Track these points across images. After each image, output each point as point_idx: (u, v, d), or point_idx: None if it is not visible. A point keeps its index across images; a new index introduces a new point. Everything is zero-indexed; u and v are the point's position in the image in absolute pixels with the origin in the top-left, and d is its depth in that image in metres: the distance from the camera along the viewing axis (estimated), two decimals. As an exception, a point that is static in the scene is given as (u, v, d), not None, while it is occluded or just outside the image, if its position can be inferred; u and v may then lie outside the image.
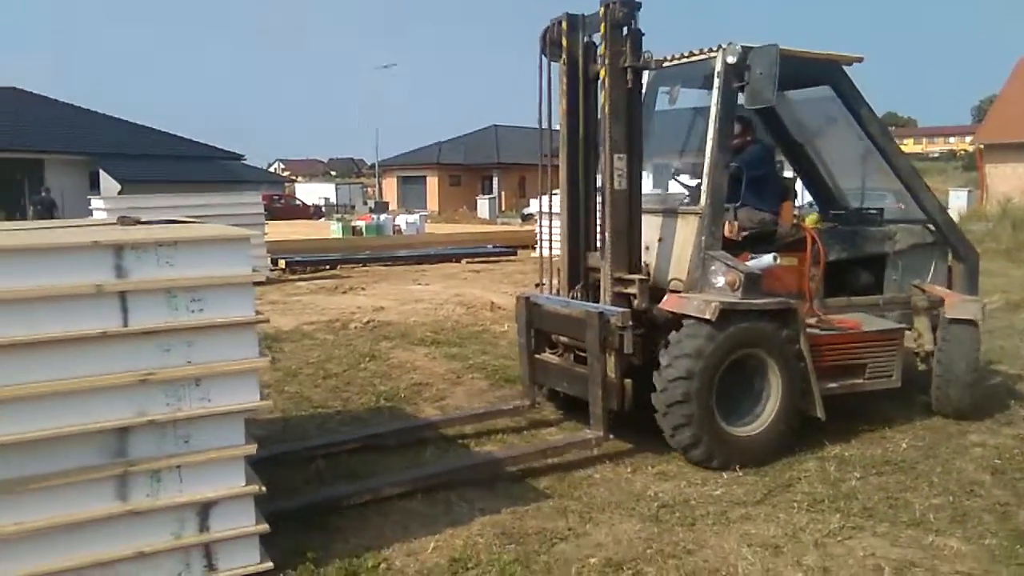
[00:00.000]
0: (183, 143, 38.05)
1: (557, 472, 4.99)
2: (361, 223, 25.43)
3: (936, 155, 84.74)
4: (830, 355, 5.52)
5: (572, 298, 5.67)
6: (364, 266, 17.71)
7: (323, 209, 46.92)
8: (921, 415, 6.10)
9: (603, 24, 5.20)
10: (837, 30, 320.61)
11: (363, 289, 13.85)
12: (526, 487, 4.78)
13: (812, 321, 5.65)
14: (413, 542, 4.01)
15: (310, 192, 55.49)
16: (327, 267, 17.13)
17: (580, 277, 5.72)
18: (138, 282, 3.25)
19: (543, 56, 5.62)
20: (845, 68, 6.07)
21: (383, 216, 28.40)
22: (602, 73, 5.25)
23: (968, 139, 67.17)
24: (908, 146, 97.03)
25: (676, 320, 5.12)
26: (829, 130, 6.78)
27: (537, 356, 5.91)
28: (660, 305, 5.29)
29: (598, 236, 5.67)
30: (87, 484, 3.27)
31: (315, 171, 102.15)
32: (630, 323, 5.04)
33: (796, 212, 6.39)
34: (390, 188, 55.60)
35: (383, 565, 3.77)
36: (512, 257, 19.54)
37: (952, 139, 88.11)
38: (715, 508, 4.45)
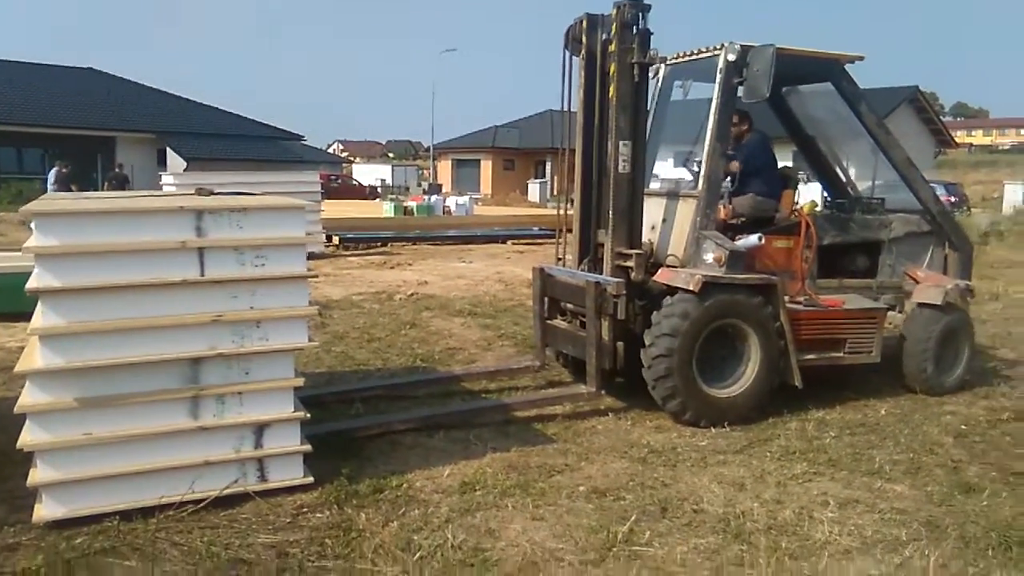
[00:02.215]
0: (246, 123, 39.42)
1: (565, 422, 5.70)
2: (413, 203, 26.30)
3: (1007, 147, 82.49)
4: (810, 329, 6.06)
5: (581, 270, 6.29)
6: (413, 244, 18.53)
7: (379, 190, 48.03)
8: (908, 388, 6.62)
9: (614, 23, 5.81)
10: (907, 20, 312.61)
11: (410, 265, 14.67)
12: (535, 432, 5.49)
13: (800, 298, 6.20)
14: (432, 470, 4.74)
15: (367, 173, 56.68)
16: (378, 244, 17.98)
17: (589, 251, 6.31)
18: (214, 240, 4.03)
19: (566, 51, 6.18)
20: (846, 66, 6.55)
21: (434, 197, 29.26)
22: (611, 68, 5.85)
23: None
24: (978, 138, 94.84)
25: (668, 291, 5.74)
26: (840, 123, 7.19)
27: (548, 321, 6.59)
28: (654, 278, 5.91)
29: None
30: (167, 403, 4.08)
31: (373, 153, 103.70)
32: (624, 292, 5.70)
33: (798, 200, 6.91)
34: (445, 171, 56.49)
35: (404, 485, 4.50)
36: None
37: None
38: (697, 455, 5.10)
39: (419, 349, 7.88)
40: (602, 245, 6.12)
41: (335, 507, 4.17)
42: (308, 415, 4.42)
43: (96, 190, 25.89)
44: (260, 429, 4.27)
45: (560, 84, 6.18)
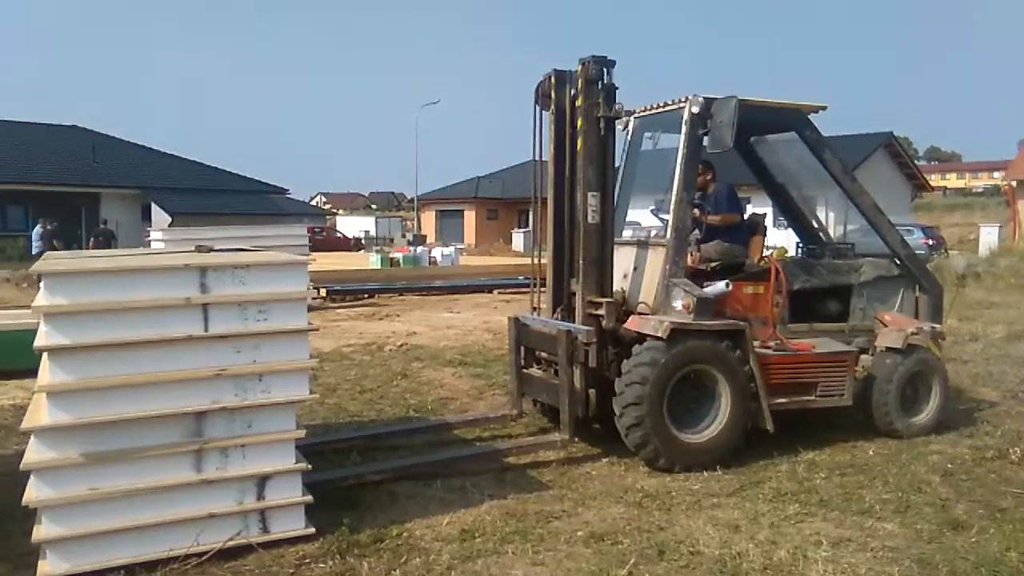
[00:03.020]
0: (230, 177, 39.66)
1: (560, 468, 5.78)
2: (399, 255, 26.49)
3: (980, 190, 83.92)
4: (780, 373, 6.13)
5: (554, 319, 6.39)
6: (400, 295, 18.63)
7: (363, 241, 48.24)
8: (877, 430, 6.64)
9: (580, 79, 6.00)
10: (881, 65, 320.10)
11: (398, 316, 14.77)
12: (531, 479, 5.56)
13: (771, 343, 6.30)
14: (431, 518, 4.80)
15: (351, 225, 56.94)
16: (365, 296, 18.06)
17: (563, 300, 6.39)
18: (217, 296, 4.14)
19: (537, 106, 6.36)
20: (810, 116, 6.74)
21: (420, 248, 29.47)
22: (579, 122, 6.02)
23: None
24: (952, 181, 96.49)
25: (639, 338, 5.84)
26: (809, 170, 7.28)
27: (524, 370, 6.67)
28: (624, 325, 6.01)
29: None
30: (171, 457, 4.14)
31: (356, 204, 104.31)
32: (595, 340, 5.83)
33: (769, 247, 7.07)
34: (428, 221, 56.83)
35: (405, 534, 4.56)
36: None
37: (997, 174, 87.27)
38: (691, 498, 5.19)
39: (412, 399, 7.95)
40: (575, 294, 6.21)
41: (337, 557, 4.22)
42: (309, 467, 4.49)
43: (80, 247, 25.91)
44: (262, 481, 4.33)
45: (532, 138, 6.37)
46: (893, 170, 42.19)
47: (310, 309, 14.76)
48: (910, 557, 4.28)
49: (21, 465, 3.90)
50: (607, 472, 5.75)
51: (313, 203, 77.71)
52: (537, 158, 6.43)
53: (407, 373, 9.20)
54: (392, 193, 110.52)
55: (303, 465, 4.44)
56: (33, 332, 4.15)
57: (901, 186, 42.83)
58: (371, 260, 25.80)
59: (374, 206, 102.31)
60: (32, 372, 5.28)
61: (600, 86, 6.00)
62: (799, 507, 5.02)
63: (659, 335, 5.64)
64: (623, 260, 6.55)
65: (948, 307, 12.94)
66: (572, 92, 6.13)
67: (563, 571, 4.13)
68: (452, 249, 29.50)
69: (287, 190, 42.39)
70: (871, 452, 6.15)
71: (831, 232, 7.78)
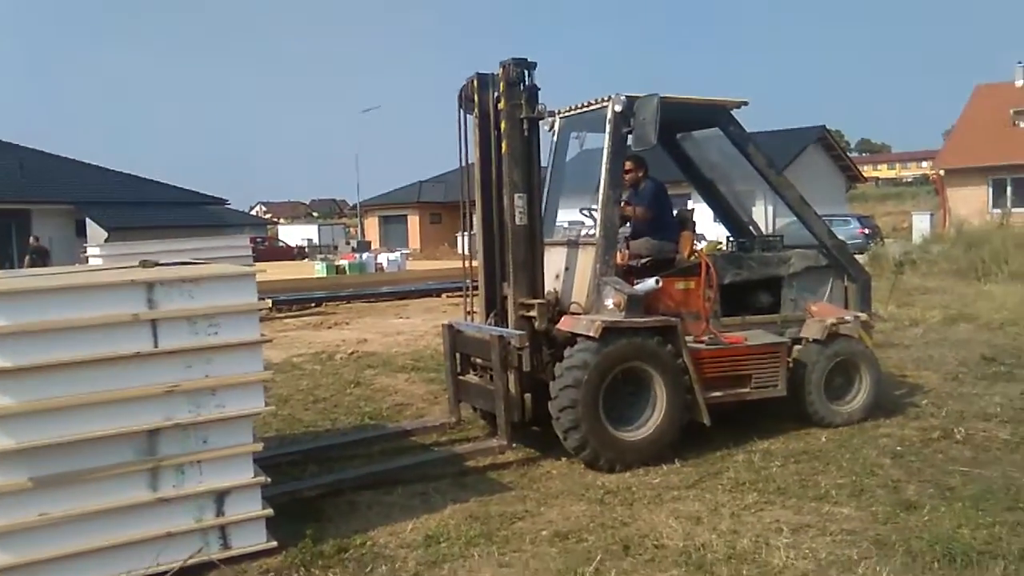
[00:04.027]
0: (167, 189, 38.91)
1: (520, 468, 5.78)
2: (344, 262, 26.27)
3: (910, 180, 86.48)
4: (714, 367, 6.16)
5: (488, 324, 6.30)
6: (348, 303, 18.45)
7: (306, 250, 47.72)
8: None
9: (501, 82, 5.98)
10: (813, 60, 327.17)
11: (347, 324, 14.62)
12: (492, 481, 5.56)
13: (704, 337, 6.34)
14: (394, 525, 4.76)
15: (293, 233, 56.31)
16: (312, 305, 17.86)
17: (496, 304, 6.31)
18: (166, 311, 4.05)
19: (460, 110, 6.32)
20: (733, 112, 6.79)
21: (365, 255, 29.26)
22: (503, 124, 5.99)
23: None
24: (883, 171, 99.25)
25: (572, 338, 5.83)
26: (737, 165, 7.32)
27: (460, 377, 6.62)
28: (557, 326, 6.01)
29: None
30: (125, 477, 4.04)
31: (297, 213, 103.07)
32: (527, 344, 5.82)
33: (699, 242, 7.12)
34: (372, 227, 56.44)
35: (369, 542, 4.51)
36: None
37: (925, 163, 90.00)
38: (652, 492, 5.23)
39: (366, 407, 7.87)
40: (507, 297, 6.17)
41: (302, 569, 4.16)
42: (268, 480, 4.41)
43: (13, 266, 25.14)
44: (221, 496, 4.24)
45: (457, 142, 6.34)
46: (828, 162, 43.23)
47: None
48: (867, 539, 4.38)
49: (-34, 493, 3.76)
50: (567, 470, 5.76)
51: (253, 213, 76.50)
52: (463, 162, 6.40)
53: (360, 381, 9.11)
54: (334, 200, 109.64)
55: (262, 478, 4.36)
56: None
57: (836, 177, 43.90)
58: (317, 268, 25.57)
59: (316, 214, 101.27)
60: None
61: (522, 88, 5.98)
62: (758, 496, 5.10)
63: (591, 334, 5.63)
64: (555, 261, 6.52)
65: (887, 294, 13.37)
66: (495, 95, 6.07)
67: (530, 571, 4.13)
68: (398, 254, 29.37)
69: (226, 200, 41.78)
70: (823, 439, 6.27)
71: (763, 225, 7.84)
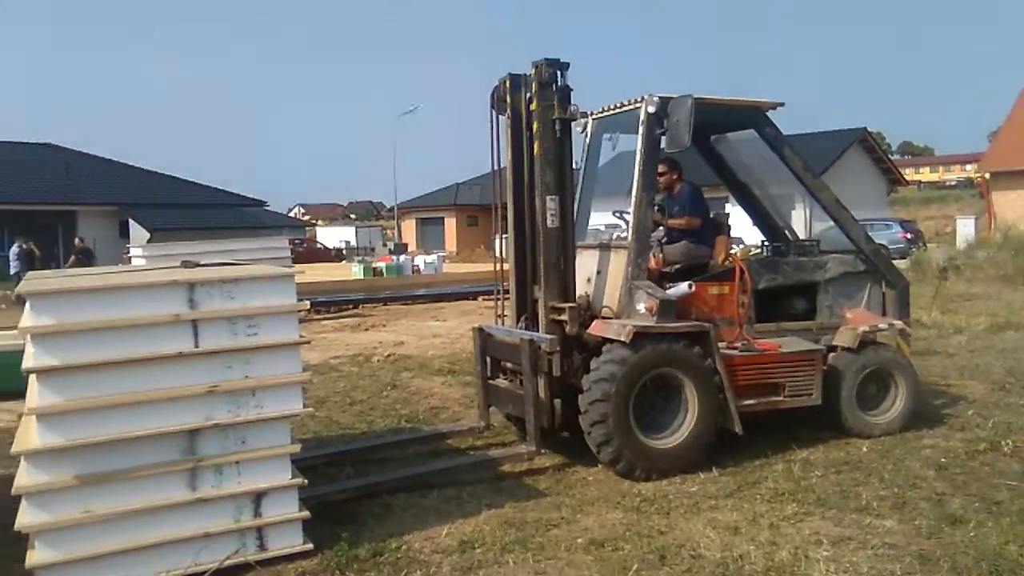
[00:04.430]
0: (208, 191, 39.44)
1: (556, 474, 5.75)
2: (382, 264, 26.42)
3: (953, 183, 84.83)
4: (747, 374, 6.02)
5: (519, 327, 6.23)
6: (385, 305, 18.57)
7: (344, 252, 48.08)
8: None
9: (534, 83, 5.93)
10: (853, 61, 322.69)
11: (384, 326, 14.71)
12: (527, 487, 5.53)
13: (737, 344, 6.22)
14: (429, 530, 4.76)
15: (331, 235, 56.74)
16: (350, 306, 17.99)
17: (527, 308, 6.24)
18: (207, 312, 4.09)
19: (493, 111, 6.27)
20: (768, 113, 6.67)
21: (403, 257, 29.40)
22: (535, 125, 5.95)
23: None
24: (925, 175, 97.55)
25: (603, 342, 5.74)
26: (773, 168, 7.17)
27: (491, 381, 6.57)
28: (588, 330, 5.93)
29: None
30: (165, 476, 4.09)
31: (335, 215, 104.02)
32: (558, 349, 5.75)
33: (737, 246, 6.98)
34: (409, 230, 56.76)
35: (404, 547, 4.51)
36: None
37: (969, 166, 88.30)
38: (689, 501, 5.17)
39: (402, 410, 7.91)
40: (538, 301, 6.12)
41: (337, 572, 4.18)
42: (305, 481, 4.43)
43: (59, 265, 25.64)
44: (258, 498, 4.27)
45: (489, 144, 6.30)
46: (869, 165, 42.65)
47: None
48: (910, 554, 4.28)
49: (12, 490, 3.83)
50: (603, 477, 5.71)
51: (292, 215, 77.35)
52: (495, 163, 6.36)
53: (396, 383, 9.16)
54: (371, 202, 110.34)
55: (299, 480, 4.39)
56: (18, 353, 4.09)
57: (877, 181, 43.29)
58: (354, 270, 25.74)
59: (353, 216, 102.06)
60: (16, 394, 5.22)
61: (554, 88, 5.93)
62: (797, 506, 5.01)
63: (622, 339, 5.55)
64: (587, 264, 6.46)
65: (931, 300, 13.12)
66: (527, 96, 6.04)
67: (565, 579, 4.10)
68: (435, 257, 29.48)
69: (265, 202, 42.21)
70: (865, 448, 6.16)
71: (800, 230, 7.68)
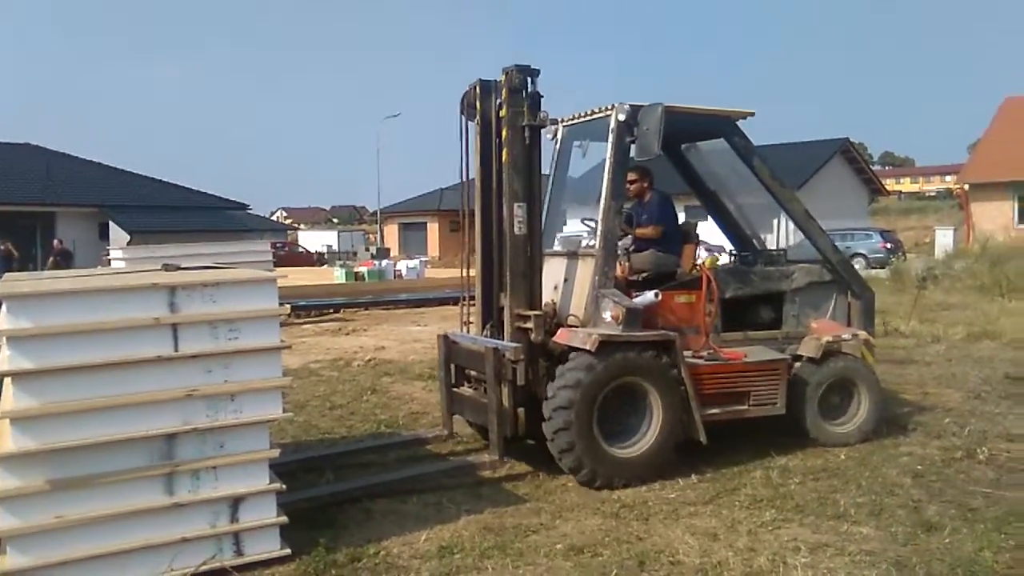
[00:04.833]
0: (189, 193, 39.14)
1: (535, 480, 5.75)
2: (363, 269, 26.35)
3: (933, 194, 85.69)
4: (712, 383, 6.01)
5: (484, 335, 6.22)
6: (366, 309, 18.51)
7: (326, 256, 47.94)
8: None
9: (504, 89, 5.88)
10: (836, 70, 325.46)
11: (365, 331, 14.67)
12: (507, 492, 5.53)
13: (703, 352, 6.22)
14: (408, 535, 4.74)
15: (313, 239, 56.60)
16: (331, 311, 17.92)
17: (492, 315, 6.22)
18: (187, 316, 4.06)
19: (462, 117, 6.24)
20: (738, 123, 6.66)
21: (385, 262, 29.35)
22: (504, 132, 5.90)
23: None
24: (906, 185, 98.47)
25: (568, 351, 5.70)
26: (742, 177, 7.13)
27: (454, 389, 6.52)
28: (554, 338, 5.90)
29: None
30: (141, 481, 4.05)
31: (318, 219, 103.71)
32: (522, 357, 5.71)
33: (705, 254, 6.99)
34: (392, 234, 56.69)
35: (382, 552, 4.50)
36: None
37: (949, 177, 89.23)
38: (668, 507, 5.19)
39: (382, 415, 7.88)
40: (504, 308, 6.07)
41: (315, 578, 4.15)
42: (284, 487, 4.41)
43: (37, 267, 25.40)
44: (236, 503, 4.24)
45: (459, 150, 6.26)
46: (850, 175, 43.04)
47: (275, 325, 14.76)
48: (887, 560, 4.31)
49: (-16, 494, 3.78)
50: (583, 483, 5.72)
51: (274, 218, 76.94)
52: (465, 170, 6.31)
53: (376, 388, 9.13)
54: (354, 207, 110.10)
55: (277, 485, 4.36)
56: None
57: (858, 191, 43.68)
58: (336, 274, 25.65)
59: (336, 220, 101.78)
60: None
61: (524, 95, 5.88)
62: (775, 513, 5.04)
63: (587, 347, 5.52)
64: (554, 272, 6.41)
65: (909, 310, 13.24)
66: (497, 102, 6.00)
67: (544, 585, 4.10)
68: (417, 262, 29.42)
69: (247, 205, 41.91)
70: (842, 456, 6.20)
71: (777, 240, 7.71)
